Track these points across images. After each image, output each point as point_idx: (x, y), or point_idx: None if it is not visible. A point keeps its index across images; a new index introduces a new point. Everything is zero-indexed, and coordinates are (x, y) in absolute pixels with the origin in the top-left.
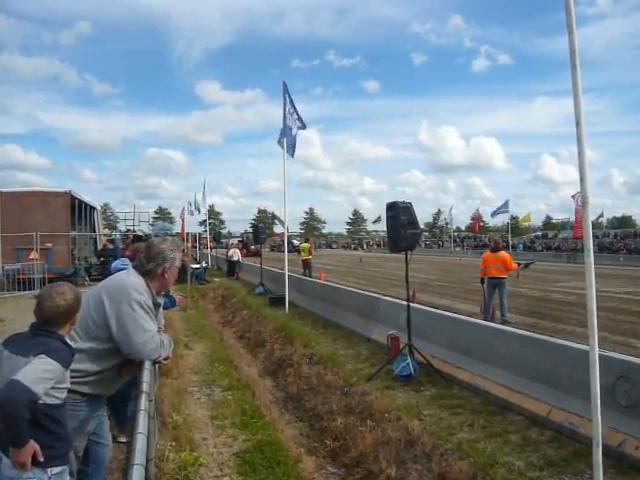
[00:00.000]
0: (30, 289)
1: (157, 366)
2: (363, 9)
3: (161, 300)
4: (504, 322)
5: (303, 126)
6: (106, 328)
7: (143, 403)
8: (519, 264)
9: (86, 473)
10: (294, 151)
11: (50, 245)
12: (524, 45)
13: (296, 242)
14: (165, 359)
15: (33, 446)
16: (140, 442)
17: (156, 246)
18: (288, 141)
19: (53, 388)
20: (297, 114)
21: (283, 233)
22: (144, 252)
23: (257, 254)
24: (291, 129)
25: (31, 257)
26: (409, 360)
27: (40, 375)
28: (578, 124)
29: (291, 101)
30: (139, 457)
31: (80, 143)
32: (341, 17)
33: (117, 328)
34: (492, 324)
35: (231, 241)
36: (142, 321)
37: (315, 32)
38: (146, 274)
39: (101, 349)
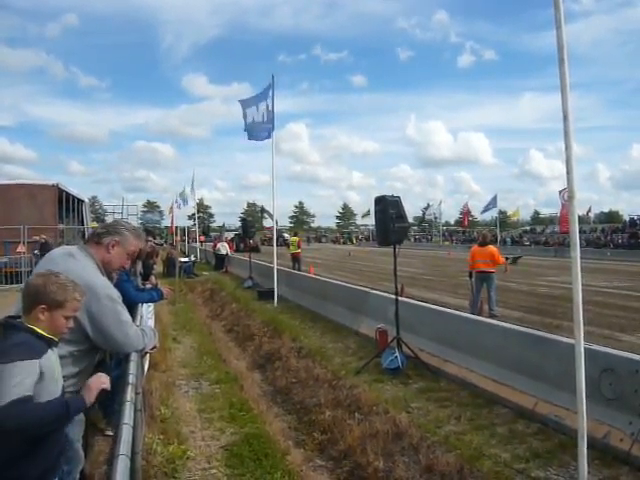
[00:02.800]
0: (17, 283)
1: (146, 357)
2: (352, 3)
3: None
4: (492, 316)
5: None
6: (79, 330)
7: (129, 395)
8: (507, 258)
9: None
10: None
11: (38, 238)
12: (511, 40)
13: (287, 236)
14: (152, 349)
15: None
16: (125, 433)
17: (119, 222)
18: (258, 126)
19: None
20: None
21: (272, 227)
22: (105, 223)
23: (255, 249)
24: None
25: (18, 250)
26: (397, 353)
27: (8, 390)
28: (565, 119)
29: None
30: (124, 448)
31: (67, 136)
32: (329, 11)
33: (93, 329)
34: (480, 318)
35: (225, 235)
36: (116, 314)
37: (303, 26)
38: (94, 241)
39: (81, 350)
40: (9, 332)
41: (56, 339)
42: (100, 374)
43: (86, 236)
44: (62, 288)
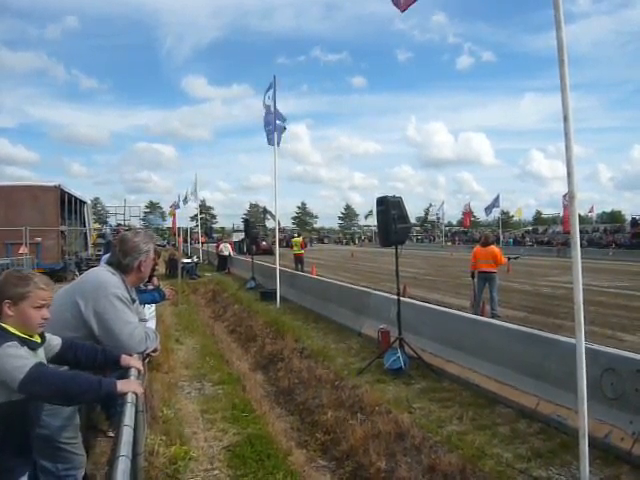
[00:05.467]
0: None
1: (147, 360)
2: (351, 5)
3: (135, 295)
4: (494, 316)
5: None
6: (84, 329)
7: (130, 396)
8: (509, 258)
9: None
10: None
11: (40, 240)
12: (510, 41)
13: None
14: (153, 351)
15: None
16: (126, 434)
17: (131, 240)
18: (276, 132)
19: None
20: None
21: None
22: (119, 247)
23: (268, 251)
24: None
25: (20, 252)
26: (399, 354)
27: (17, 365)
28: (566, 120)
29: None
30: (125, 449)
31: (69, 137)
32: (329, 13)
33: (99, 326)
34: (482, 318)
35: (234, 235)
36: (123, 314)
37: (302, 28)
38: (123, 269)
39: None
40: None
41: (35, 339)
42: (139, 382)
43: (88, 238)
44: (23, 279)
